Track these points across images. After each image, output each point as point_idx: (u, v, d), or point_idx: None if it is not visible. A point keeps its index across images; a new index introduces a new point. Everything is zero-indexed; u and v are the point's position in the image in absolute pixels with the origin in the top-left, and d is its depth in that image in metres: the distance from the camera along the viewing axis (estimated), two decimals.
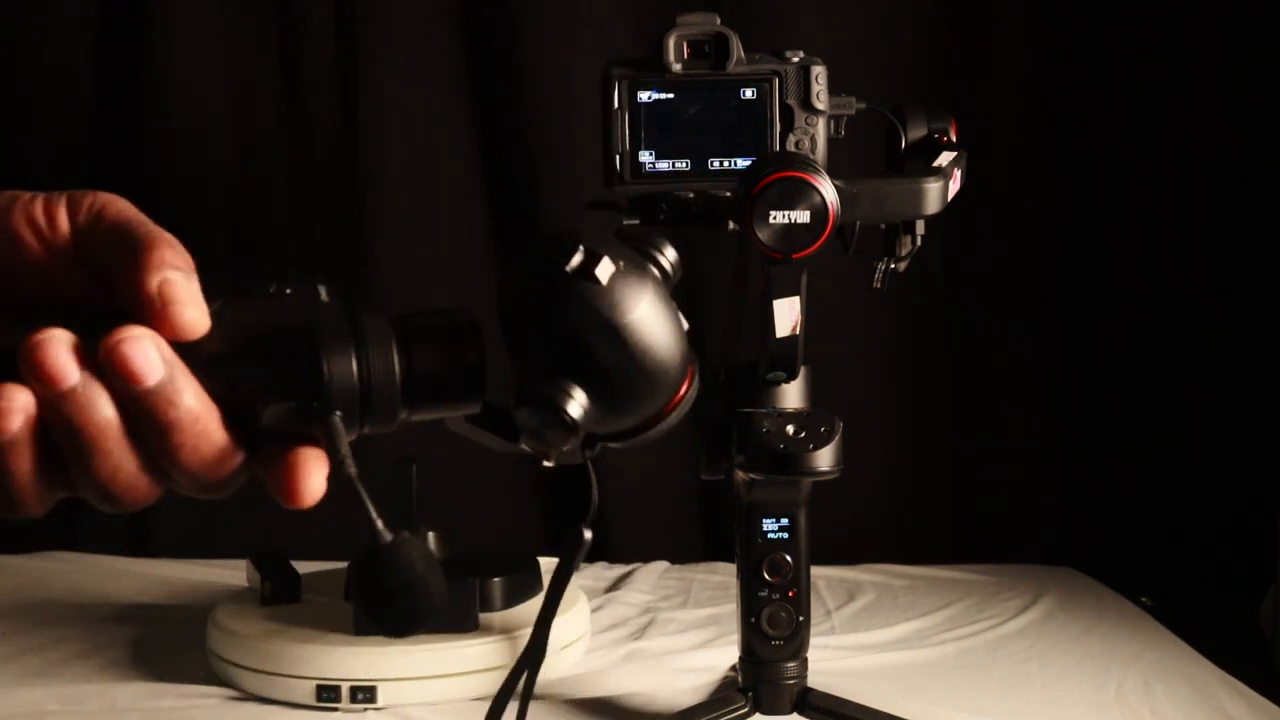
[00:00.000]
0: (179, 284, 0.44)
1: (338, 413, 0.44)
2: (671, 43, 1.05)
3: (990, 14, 1.82)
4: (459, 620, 1.28)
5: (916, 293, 1.66)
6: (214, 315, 0.45)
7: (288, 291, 0.48)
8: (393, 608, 0.44)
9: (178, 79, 1.84)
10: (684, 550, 1.84)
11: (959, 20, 1.83)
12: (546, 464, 0.56)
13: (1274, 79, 1.69)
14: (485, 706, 1.24)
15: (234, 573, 1.62)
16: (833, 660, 1.36)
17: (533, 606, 1.37)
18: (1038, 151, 1.83)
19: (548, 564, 1.45)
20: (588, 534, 0.56)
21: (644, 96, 1.07)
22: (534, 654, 0.52)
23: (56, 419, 0.42)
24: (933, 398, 1.87)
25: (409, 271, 1.86)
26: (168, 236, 0.46)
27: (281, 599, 1.36)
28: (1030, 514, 1.86)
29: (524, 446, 0.55)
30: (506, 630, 1.30)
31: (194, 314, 0.44)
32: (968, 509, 1.87)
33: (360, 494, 0.44)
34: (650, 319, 0.52)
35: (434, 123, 1.86)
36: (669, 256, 0.56)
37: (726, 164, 1.07)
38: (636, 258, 0.54)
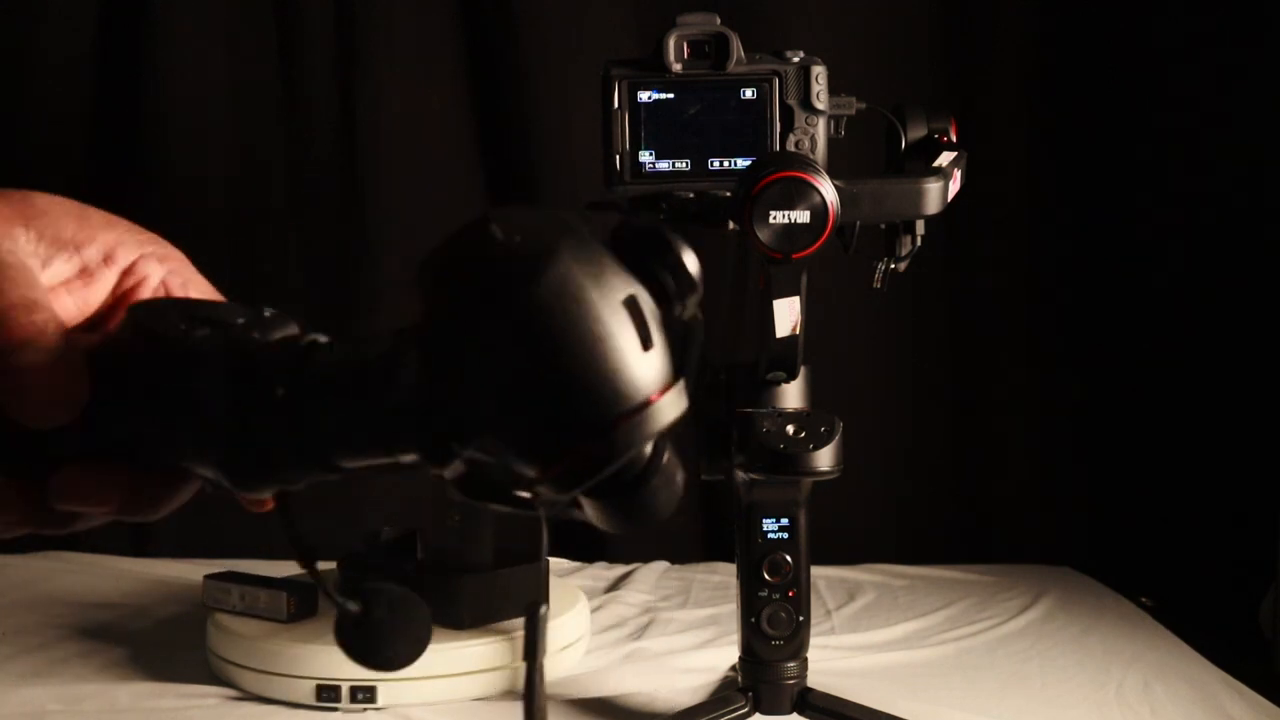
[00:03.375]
0: (31, 379, 0.40)
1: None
2: (671, 43, 1.05)
3: (990, 14, 1.83)
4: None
5: (916, 293, 1.66)
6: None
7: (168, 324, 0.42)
8: (377, 659, 0.44)
9: (178, 79, 1.84)
10: (684, 550, 1.84)
11: (959, 20, 1.83)
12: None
13: (1274, 78, 1.69)
14: (485, 706, 1.25)
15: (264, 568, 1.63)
16: (833, 660, 1.36)
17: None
18: (1038, 151, 1.83)
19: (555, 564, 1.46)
20: (543, 609, 0.43)
21: (644, 96, 1.07)
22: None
23: None
24: (933, 398, 1.87)
25: (409, 271, 1.85)
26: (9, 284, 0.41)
27: (304, 615, 1.34)
28: (1030, 514, 1.86)
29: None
30: (506, 631, 1.30)
31: (53, 410, 0.40)
32: (968, 509, 1.87)
33: (315, 571, 0.44)
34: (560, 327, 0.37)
35: (434, 123, 1.86)
36: (674, 268, 0.40)
37: (726, 164, 1.07)
38: (574, 240, 0.39)
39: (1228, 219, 1.74)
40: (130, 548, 1.85)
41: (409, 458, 0.40)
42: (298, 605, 1.31)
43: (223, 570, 1.41)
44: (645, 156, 1.07)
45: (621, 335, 0.38)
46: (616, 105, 1.06)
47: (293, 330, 0.42)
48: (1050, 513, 1.85)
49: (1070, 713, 1.24)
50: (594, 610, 1.53)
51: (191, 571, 1.73)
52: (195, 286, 0.46)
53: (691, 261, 0.40)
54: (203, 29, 1.84)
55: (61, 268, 0.43)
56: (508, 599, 1.34)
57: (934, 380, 1.87)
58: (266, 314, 0.42)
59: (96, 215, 0.44)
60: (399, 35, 1.85)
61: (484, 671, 1.26)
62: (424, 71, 1.85)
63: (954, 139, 1.11)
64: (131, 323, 0.42)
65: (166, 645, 1.40)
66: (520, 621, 1.31)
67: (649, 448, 0.39)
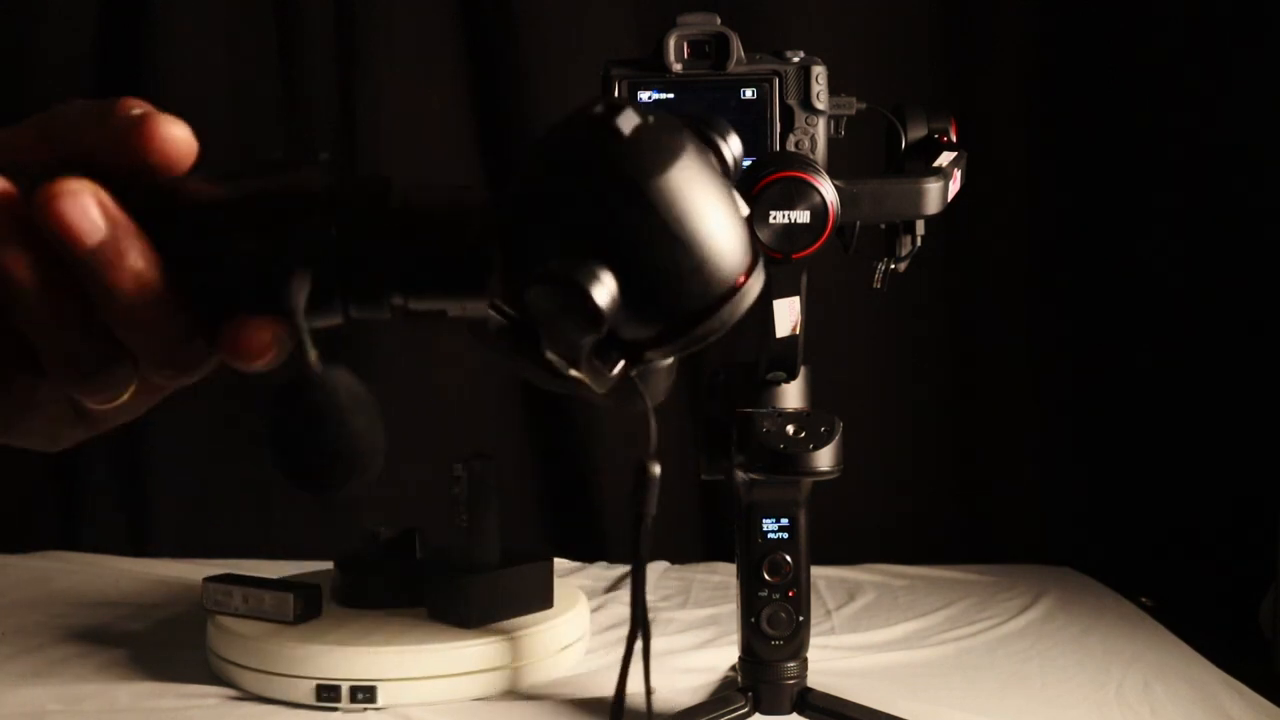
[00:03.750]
0: (155, 112, 0.40)
1: (304, 272, 0.39)
2: (672, 43, 1.05)
3: (990, 14, 1.83)
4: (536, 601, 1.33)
5: (916, 293, 1.66)
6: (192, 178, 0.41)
7: (281, 158, 0.42)
8: (307, 448, 0.38)
9: (178, 79, 1.84)
10: (684, 550, 1.84)
11: (959, 20, 1.83)
12: (590, 393, 0.44)
13: (1274, 78, 1.69)
14: (485, 706, 1.25)
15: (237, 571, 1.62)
16: (833, 660, 1.36)
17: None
18: (1038, 151, 1.83)
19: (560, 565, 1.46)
20: (655, 469, 0.44)
21: (644, 96, 1.07)
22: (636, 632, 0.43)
23: None
24: (933, 398, 1.87)
25: None
26: (135, 98, 0.42)
27: (310, 616, 1.34)
28: (1030, 514, 1.86)
29: (568, 372, 0.43)
30: (506, 630, 1.30)
31: (178, 130, 0.40)
32: (968, 509, 1.87)
33: (300, 327, 0.38)
34: (689, 182, 0.40)
35: (434, 123, 1.86)
36: (731, 146, 0.44)
37: None
38: (680, 125, 0.42)
39: (1228, 219, 1.74)
40: (130, 548, 1.85)
41: (475, 304, 0.41)
42: (304, 606, 1.31)
43: (221, 573, 1.40)
44: None
45: (732, 213, 0.41)
46: None
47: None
48: (1050, 513, 1.85)
49: (1070, 713, 1.24)
50: (594, 610, 1.53)
51: (191, 571, 1.73)
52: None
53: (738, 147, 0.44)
54: (203, 29, 1.84)
55: None
56: (513, 598, 1.34)
57: (934, 380, 1.87)
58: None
59: None
60: (399, 35, 1.85)
61: (484, 671, 1.26)
62: (424, 71, 1.85)
63: (954, 139, 1.11)
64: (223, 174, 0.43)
65: (166, 645, 1.40)
66: (521, 622, 1.32)
67: None
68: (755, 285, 0.42)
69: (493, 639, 1.28)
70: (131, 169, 0.39)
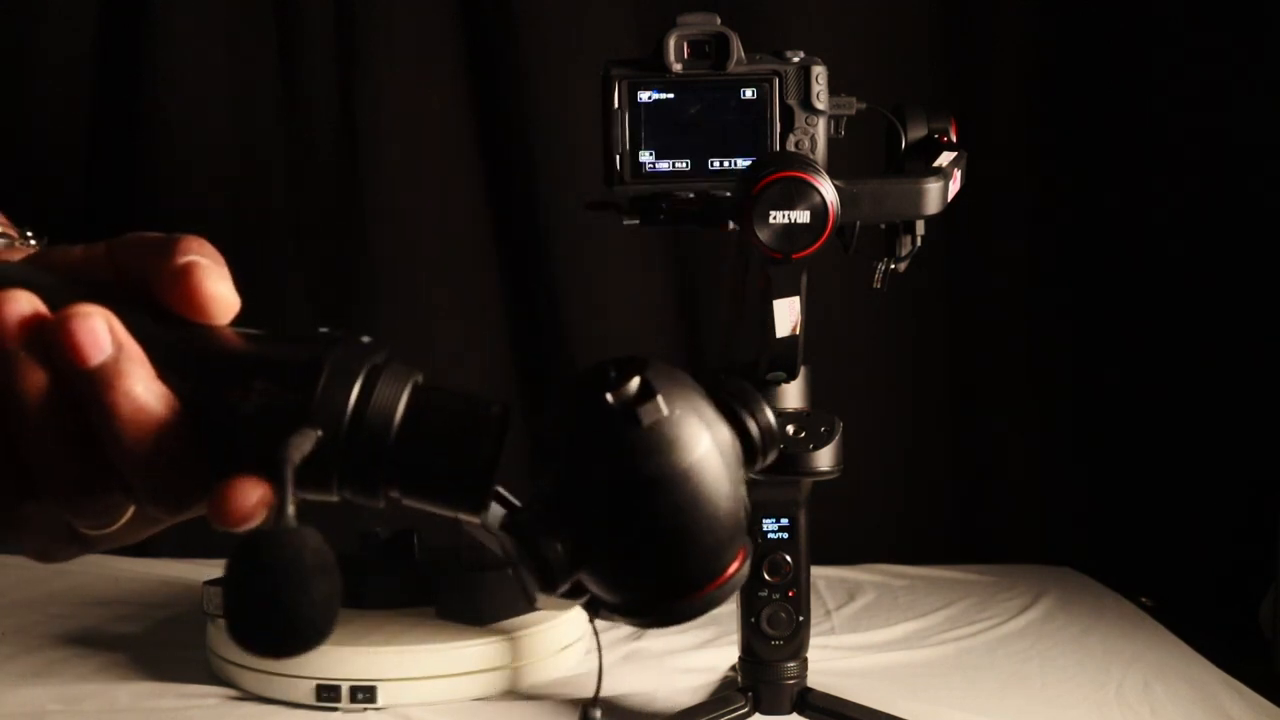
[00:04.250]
0: (204, 265, 0.42)
1: (314, 432, 0.39)
2: (672, 43, 1.05)
3: (990, 14, 1.82)
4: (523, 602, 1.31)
5: (916, 293, 1.66)
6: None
7: (321, 335, 0.42)
8: (264, 614, 0.38)
9: (178, 79, 1.84)
10: None
11: (959, 20, 1.83)
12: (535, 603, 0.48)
13: (1274, 78, 1.69)
14: (485, 706, 1.25)
15: None
16: (833, 660, 1.36)
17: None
18: (1038, 151, 1.83)
19: None
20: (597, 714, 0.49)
21: (644, 96, 1.07)
22: None
23: None
24: (933, 398, 1.87)
25: (409, 271, 1.86)
26: (198, 237, 0.44)
27: None
28: (1030, 514, 1.86)
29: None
30: (507, 631, 1.30)
31: (222, 289, 0.41)
32: (968, 509, 1.87)
33: (285, 474, 0.38)
34: (693, 486, 0.41)
35: (434, 123, 1.86)
36: (760, 421, 0.44)
37: (726, 164, 1.07)
38: (701, 417, 0.42)
39: (1228, 219, 1.74)
40: (130, 548, 1.85)
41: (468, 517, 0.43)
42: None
43: (217, 577, 1.40)
44: (645, 156, 1.07)
45: (731, 511, 0.42)
46: (616, 105, 1.06)
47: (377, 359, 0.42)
48: (1050, 513, 1.85)
49: (1070, 713, 1.24)
50: None
51: (191, 572, 1.73)
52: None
53: (773, 419, 0.45)
54: (203, 29, 1.84)
55: None
56: (520, 595, 1.34)
57: (934, 380, 1.87)
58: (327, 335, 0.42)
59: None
60: (399, 35, 1.84)
61: (484, 671, 1.26)
62: (424, 71, 1.85)
63: (954, 139, 1.11)
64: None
65: (166, 645, 1.40)
66: (522, 622, 1.32)
67: None
68: (739, 576, 0.43)
69: (493, 639, 1.28)
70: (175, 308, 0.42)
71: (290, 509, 0.38)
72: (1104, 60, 1.80)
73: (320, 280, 1.88)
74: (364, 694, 1.21)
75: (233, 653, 1.27)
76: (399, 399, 0.41)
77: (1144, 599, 1.65)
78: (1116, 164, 1.80)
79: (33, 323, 0.39)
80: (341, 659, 1.22)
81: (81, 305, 0.39)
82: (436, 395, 0.42)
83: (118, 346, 0.39)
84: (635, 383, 0.41)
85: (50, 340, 0.39)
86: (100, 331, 0.39)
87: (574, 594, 0.44)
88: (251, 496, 0.40)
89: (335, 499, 0.42)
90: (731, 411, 0.44)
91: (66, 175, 1.85)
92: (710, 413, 0.43)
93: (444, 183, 1.87)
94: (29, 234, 0.50)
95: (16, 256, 0.46)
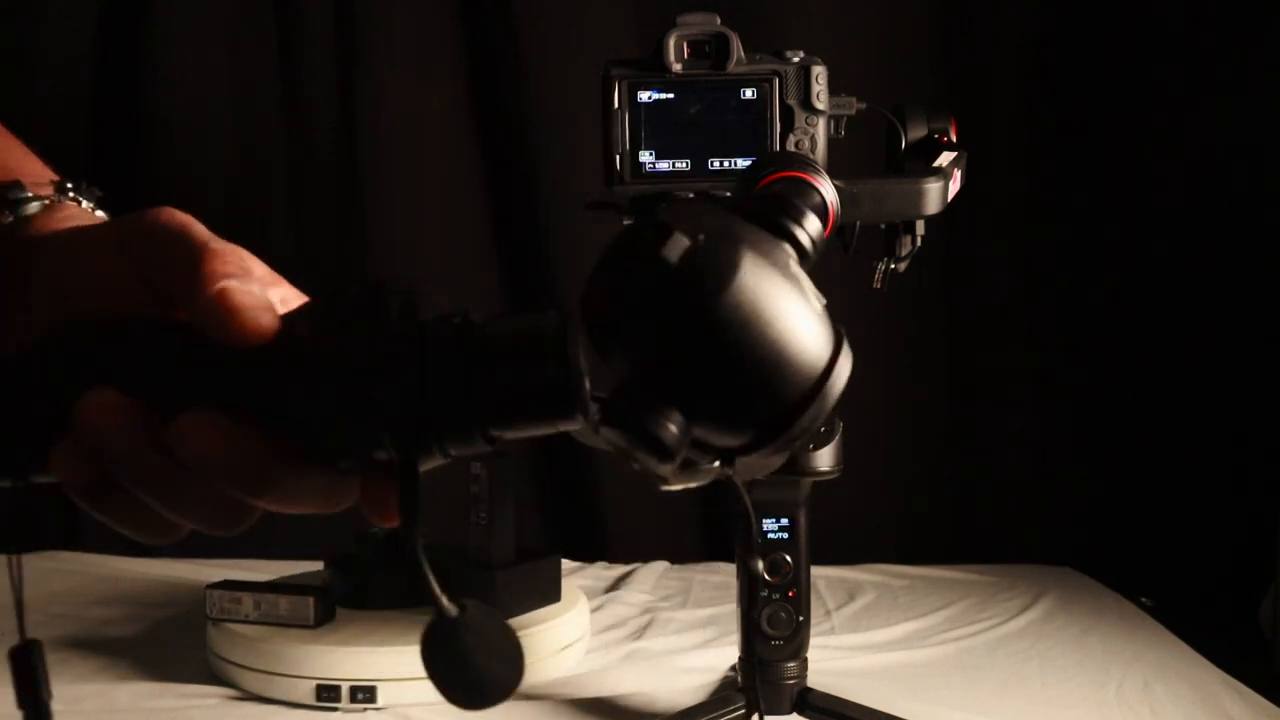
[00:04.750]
0: (236, 291, 0.43)
1: (413, 455, 0.41)
2: (672, 43, 1.05)
3: (990, 14, 1.83)
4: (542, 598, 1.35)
5: (916, 293, 1.66)
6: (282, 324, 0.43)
7: (351, 302, 0.43)
8: (465, 681, 0.42)
9: (178, 78, 1.84)
10: (684, 550, 1.84)
11: (959, 20, 1.83)
12: (670, 488, 0.45)
13: (1274, 78, 1.69)
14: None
15: (234, 573, 1.62)
16: (833, 660, 1.36)
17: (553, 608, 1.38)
18: (1038, 151, 1.83)
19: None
20: (760, 565, 0.48)
21: (644, 96, 1.06)
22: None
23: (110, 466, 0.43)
24: (933, 398, 1.87)
25: (409, 270, 1.86)
26: (217, 246, 0.45)
27: (326, 619, 1.33)
28: (1030, 514, 1.86)
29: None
30: (519, 626, 1.29)
31: (258, 318, 0.43)
32: (968, 509, 1.87)
33: (421, 566, 0.40)
34: (748, 298, 0.40)
35: (434, 123, 1.86)
36: (808, 228, 0.44)
37: (726, 164, 1.07)
38: (736, 232, 0.42)
39: (1228, 220, 1.74)
40: (130, 548, 1.85)
41: (568, 425, 0.43)
42: (323, 609, 1.30)
43: (222, 580, 1.37)
44: (645, 156, 1.07)
45: (803, 308, 0.41)
46: (616, 105, 1.06)
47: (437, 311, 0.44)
48: (1050, 513, 1.85)
49: (1070, 713, 1.24)
50: (594, 610, 1.53)
51: (191, 571, 1.73)
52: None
53: (809, 212, 0.44)
54: (203, 29, 1.84)
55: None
56: (531, 592, 1.37)
57: (934, 380, 1.87)
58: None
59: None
60: (399, 35, 1.85)
61: None
62: (424, 71, 1.85)
63: (954, 139, 1.11)
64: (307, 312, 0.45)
65: (166, 645, 1.40)
66: (528, 621, 1.32)
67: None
68: (843, 368, 0.43)
69: None
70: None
71: (443, 599, 0.41)
72: (1104, 60, 1.80)
73: (320, 280, 1.88)
74: (364, 694, 1.21)
75: (233, 653, 1.28)
76: (457, 358, 0.41)
77: (1144, 599, 1.65)
78: (1116, 164, 1.80)
79: (142, 418, 0.42)
80: (341, 659, 1.22)
81: (196, 419, 0.41)
82: (485, 330, 0.42)
83: (236, 450, 0.41)
84: (649, 228, 0.41)
85: (173, 443, 0.41)
86: (218, 445, 0.41)
87: (696, 465, 0.43)
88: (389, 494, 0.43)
89: (444, 460, 0.42)
90: (765, 217, 0.43)
91: (66, 175, 1.85)
92: (740, 225, 0.42)
93: (444, 183, 1.87)
94: (68, 185, 0.54)
95: (59, 218, 0.49)
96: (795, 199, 0.44)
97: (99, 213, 0.54)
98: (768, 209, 0.44)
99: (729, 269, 0.41)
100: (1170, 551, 1.75)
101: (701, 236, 0.41)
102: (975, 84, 1.82)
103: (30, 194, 0.52)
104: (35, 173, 0.55)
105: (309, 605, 1.28)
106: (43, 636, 1.53)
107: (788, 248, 0.43)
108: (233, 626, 1.29)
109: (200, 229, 0.45)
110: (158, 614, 1.55)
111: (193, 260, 0.43)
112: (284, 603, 1.29)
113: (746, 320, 0.40)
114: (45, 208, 0.52)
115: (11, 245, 0.50)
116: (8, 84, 1.86)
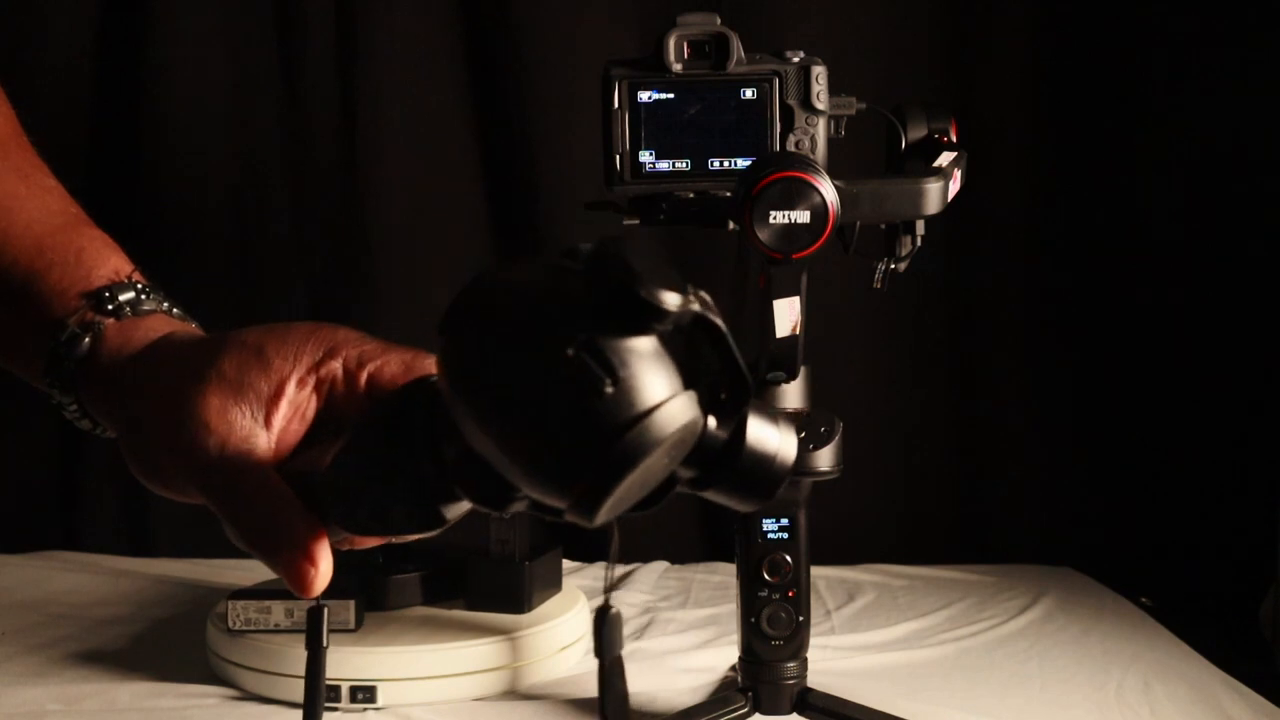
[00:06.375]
0: (312, 579, 0.56)
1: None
2: (672, 43, 1.06)
3: (990, 14, 1.82)
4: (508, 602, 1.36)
5: (916, 293, 1.66)
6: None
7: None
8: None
9: (178, 79, 1.84)
10: (684, 550, 1.84)
11: (959, 20, 1.83)
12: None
13: (1275, 77, 1.69)
14: (485, 706, 1.25)
15: (234, 573, 1.62)
16: (833, 660, 1.36)
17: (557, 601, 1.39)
18: (1039, 151, 1.83)
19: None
20: (612, 610, 0.51)
21: (644, 96, 1.07)
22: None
23: None
24: (932, 397, 1.87)
25: (409, 271, 1.86)
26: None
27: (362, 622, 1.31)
28: (1030, 514, 1.86)
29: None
30: (506, 630, 1.30)
31: (314, 589, 0.56)
32: (968, 509, 1.87)
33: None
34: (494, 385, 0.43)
35: (434, 123, 1.86)
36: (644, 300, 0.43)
37: (726, 164, 1.07)
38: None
39: (1228, 220, 1.74)
40: (130, 548, 1.85)
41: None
42: (361, 612, 1.28)
43: (240, 589, 1.33)
44: (645, 156, 1.07)
45: (570, 391, 0.42)
46: (616, 105, 1.06)
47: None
48: (1050, 513, 1.85)
49: (1070, 713, 1.24)
50: (595, 610, 1.53)
51: (192, 571, 1.73)
52: (368, 353, 0.56)
53: (660, 299, 0.42)
54: (203, 29, 1.84)
55: (279, 417, 0.55)
56: (545, 583, 1.41)
57: (933, 380, 1.87)
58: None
59: (272, 351, 0.55)
60: (399, 35, 1.84)
61: (484, 671, 1.26)
62: (424, 71, 1.85)
63: (954, 139, 1.11)
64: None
65: (166, 645, 1.40)
66: (524, 622, 1.32)
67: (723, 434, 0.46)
68: (673, 411, 0.42)
69: (493, 639, 1.28)
70: None
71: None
72: (1104, 60, 1.80)
73: (321, 280, 1.88)
74: (364, 694, 1.21)
75: (233, 653, 1.27)
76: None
77: (1144, 599, 1.65)
78: (1117, 164, 1.80)
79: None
80: (341, 659, 1.22)
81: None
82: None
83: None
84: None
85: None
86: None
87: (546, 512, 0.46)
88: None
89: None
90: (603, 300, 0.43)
91: (67, 175, 1.84)
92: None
93: (444, 182, 1.87)
94: (148, 291, 0.62)
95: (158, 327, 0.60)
96: (635, 278, 0.42)
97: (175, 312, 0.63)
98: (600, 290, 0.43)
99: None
100: (1170, 551, 1.75)
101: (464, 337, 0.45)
102: (975, 84, 1.82)
103: (75, 329, 0.60)
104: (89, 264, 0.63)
105: (350, 609, 1.27)
106: (43, 636, 1.54)
107: (578, 335, 0.42)
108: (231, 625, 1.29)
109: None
110: (158, 614, 1.55)
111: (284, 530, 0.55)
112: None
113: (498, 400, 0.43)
114: (98, 338, 0.60)
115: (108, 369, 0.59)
116: (8, 84, 1.86)
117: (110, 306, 0.60)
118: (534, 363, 0.42)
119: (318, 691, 0.59)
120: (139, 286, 0.62)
